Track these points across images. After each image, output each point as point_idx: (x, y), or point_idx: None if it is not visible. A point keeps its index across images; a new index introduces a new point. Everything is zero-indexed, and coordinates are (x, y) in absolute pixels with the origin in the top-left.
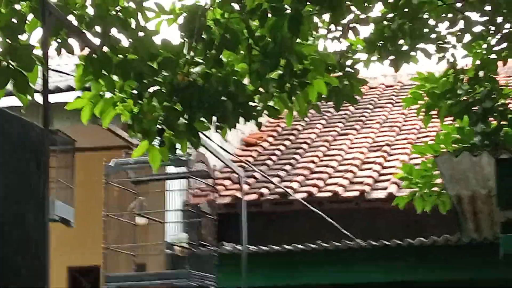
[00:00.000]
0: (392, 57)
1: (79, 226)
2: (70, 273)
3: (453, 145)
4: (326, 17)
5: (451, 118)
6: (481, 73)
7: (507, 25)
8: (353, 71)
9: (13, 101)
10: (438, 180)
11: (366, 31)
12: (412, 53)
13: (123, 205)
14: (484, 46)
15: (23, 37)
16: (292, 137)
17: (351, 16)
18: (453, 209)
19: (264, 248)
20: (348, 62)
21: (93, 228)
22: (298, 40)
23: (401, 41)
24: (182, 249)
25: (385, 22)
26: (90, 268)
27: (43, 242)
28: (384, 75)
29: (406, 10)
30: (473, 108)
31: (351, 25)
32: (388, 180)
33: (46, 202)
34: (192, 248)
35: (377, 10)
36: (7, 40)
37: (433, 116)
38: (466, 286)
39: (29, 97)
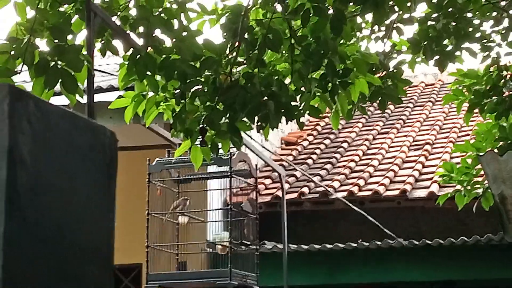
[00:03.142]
0: (437, 57)
1: (120, 224)
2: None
3: (495, 143)
4: (369, 17)
5: (489, 116)
6: None
7: None
8: (396, 71)
9: (57, 100)
10: (480, 177)
11: (410, 31)
12: (457, 53)
13: (165, 204)
14: None
15: (69, 38)
16: (332, 136)
17: (394, 16)
18: (496, 209)
19: (305, 247)
20: (392, 63)
21: (136, 226)
22: (342, 41)
23: (446, 41)
24: (224, 247)
25: (429, 22)
26: (131, 267)
27: (110, 249)
28: (424, 74)
29: (450, 9)
30: None
31: (394, 25)
32: (430, 179)
33: (113, 210)
34: (234, 247)
35: (421, 9)
36: (55, 40)
37: (474, 113)
38: (509, 285)
39: (77, 97)
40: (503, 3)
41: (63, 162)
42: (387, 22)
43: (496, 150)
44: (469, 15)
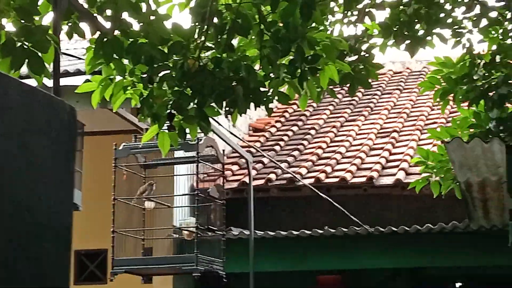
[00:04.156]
0: (408, 42)
1: (86, 209)
2: (77, 257)
3: (469, 130)
4: (342, 1)
5: (466, 104)
6: (497, 58)
7: None
8: (368, 55)
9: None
10: None
11: (382, 15)
12: (428, 38)
13: (131, 189)
14: (501, 31)
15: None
16: (299, 123)
17: (367, 1)
18: (462, 196)
19: (271, 233)
20: (364, 47)
21: (101, 212)
22: (314, 24)
23: (417, 26)
24: (190, 233)
25: (401, 7)
26: (97, 252)
27: (68, 229)
28: (392, 62)
29: None
30: (489, 93)
31: (366, 10)
32: (396, 166)
33: (72, 186)
34: (200, 232)
35: None
36: (22, 21)
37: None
38: (473, 272)
39: (44, 78)
40: None
41: (21, 136)
42: (360, 6)
43: (465, 139)
44: (441, 1)
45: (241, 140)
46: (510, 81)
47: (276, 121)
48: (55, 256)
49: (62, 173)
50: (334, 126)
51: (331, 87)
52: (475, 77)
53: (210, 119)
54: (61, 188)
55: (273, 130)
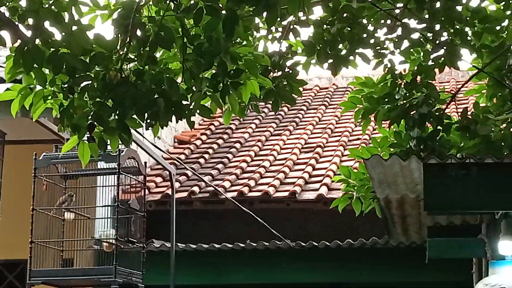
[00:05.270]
0: (330, 60)
1: (6, 219)
2: None
3: (390, 149)
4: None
5: (387, 122)
6: (418, 79)
7: (445, 33)
8: (292, 72)
9: None
10: None
11: (306, 33)
12: (351, 58)
13: (51, 199)
14: (422, 53)
15: None
16: (225, 136)
17: (292, 18)
18: (382, 213)
19: (193, 246)
20: (288, 63)
21: (21, 221)
22: (238, 40)
23: (340, 46)
24: (110, 245)
25: (324, 26)
26: (16, 262)
27: None
28: (319, 77)
29: (345, 14)
30: (410, 113)
31: (291, 26)
32: (319, 181)
33: None
34: (120, 244)
35: (319, 13)
36: None
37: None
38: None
39: None
40: (397, 11)
41: None
42: (285, 23)
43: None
44: (364, 21)
45: (164, 152)
46: (430, 101)
47: (202, 134)
48: None
49: None
50: (259, 140)
51: (256, 102)
52: (396, 97)
53: (133, 131)
54: None
55: (198, 142)
